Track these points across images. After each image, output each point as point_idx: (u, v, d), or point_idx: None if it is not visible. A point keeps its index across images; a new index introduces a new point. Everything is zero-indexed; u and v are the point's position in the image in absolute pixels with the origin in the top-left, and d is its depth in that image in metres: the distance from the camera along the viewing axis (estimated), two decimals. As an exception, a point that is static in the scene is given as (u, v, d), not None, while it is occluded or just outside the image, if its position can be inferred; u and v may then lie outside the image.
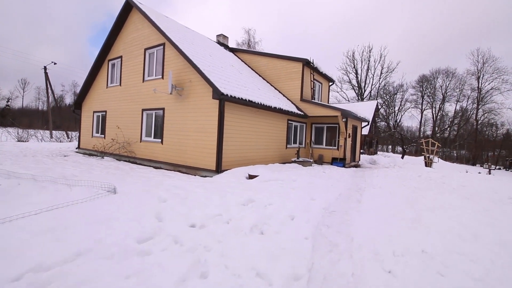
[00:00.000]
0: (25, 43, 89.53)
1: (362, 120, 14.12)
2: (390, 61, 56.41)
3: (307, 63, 12.76)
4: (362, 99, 47.20)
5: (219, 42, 15.33)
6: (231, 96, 7.71)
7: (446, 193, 6.52)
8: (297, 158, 10.86)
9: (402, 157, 19.06)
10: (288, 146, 11.94)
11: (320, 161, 13.03)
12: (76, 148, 14.70)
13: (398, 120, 55.03)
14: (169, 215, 3.60)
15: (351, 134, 13.13)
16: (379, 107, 47.31)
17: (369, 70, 49.05)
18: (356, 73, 49.66)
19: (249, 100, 8.47)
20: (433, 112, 50.87)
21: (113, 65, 12.56)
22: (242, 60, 14.87)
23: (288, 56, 13.37)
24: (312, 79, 13.36)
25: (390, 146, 54.18)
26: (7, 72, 72.94)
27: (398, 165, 13.31)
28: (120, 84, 11.88)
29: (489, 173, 12.74)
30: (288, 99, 13.17)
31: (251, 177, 6.92)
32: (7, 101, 58.19)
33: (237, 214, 3.91)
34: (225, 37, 15.61)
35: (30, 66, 76.94)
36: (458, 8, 69.74)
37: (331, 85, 16.41)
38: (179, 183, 5.50)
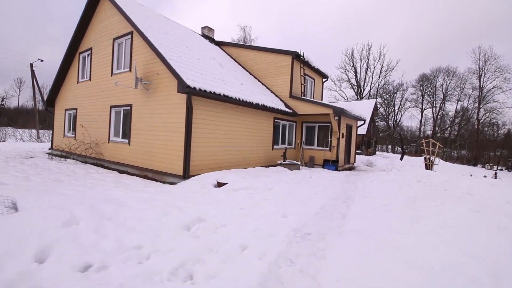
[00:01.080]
0: (25, 43, 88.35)
1: (357, 119, 13.05)
2: (389, 60, 55.19)
3: (296, 56, 11.67)
4: (361, 98, 46.18)
5: (204, 35, 14.25)
6: (200, 89, 6.63)
7: (450, 204, 5.43)
8: (283, 161, 9.78)
9: (401, 158, 18.00)
10: (275, 147, 10.86)
11: (311, 163, 11.96)
12: (49, 149, 13.62)
13: (398, 120, 54.05)
14: (62, 249, 2.52)
15: (344, 134, 12.05)
16: (379, 106, 46.38)
17: (368, 69, 48.03)
18: (355, 72, 48.65)
19: (224, 95, 7.39)
20: (434, 111, 49.87)
21: (84, 58, 11.48)
22: (228, 54, 13.80)
23: (277, 49, 12.29)
24: (302, 74, 12.28)
25: (390, 146, 53.15)
26: (8, 72, 71.82)
27: (396, 168, 12.25)
28: (89, 79, 10.80)
29: (495, 177, 11.71)
30: (276, 95, 12.10)
31: (219, 185, 5.85)
32: (1, 100, 57.09)
33: (167, 245, 2.83)
34: (211, 29, 14.52)
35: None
36: (458, 8, 68.69)
37: (325, 81, 15.33)
38: (119, 195, 4.42)
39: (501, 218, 4.56)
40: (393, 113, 54.21)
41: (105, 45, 9.96)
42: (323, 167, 11.43)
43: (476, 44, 60.48)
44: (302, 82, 12.28)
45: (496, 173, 11.82)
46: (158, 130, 7.59)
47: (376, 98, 46.36)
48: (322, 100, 15.39)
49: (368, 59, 47.56)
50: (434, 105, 49.62)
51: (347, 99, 47.75)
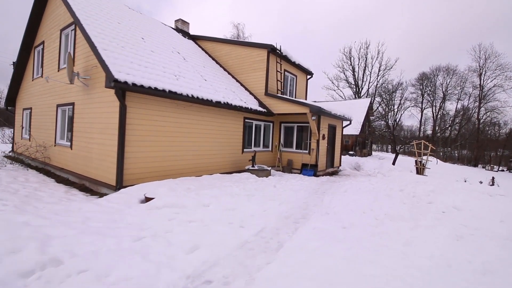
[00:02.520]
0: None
1: (342, 118, 11.94)
2: (388, 58, 54.00)
3: (272, 50, 10.58)
4: (360, 97, 45.03)
5: (177, 29, 13.19)
6: (134, 84, 5.56)
7: (429, 226, 4.34)
8: (252, 166, 8.70)
9: (394, 160, 16.84)
10: (245, 150, 9.78)
11: (289, 167, 10.87)
12: (10, 152, 12.61)
13: (397, 120, 52.88)
14: None
15: (326, 136, 10.95)
16: (377, 105, 45.21)
17: (367, 68, 46.84)
18: (353, 71, 47.48)
19: (170, 91, 6.32)
20: (434, 111, 48.62)
21: (39, 52, 10.46)
22: (203, 49, 12.73)
23: (251, 42, 11.22)
24: (279, 70, 11.18)
25: (389, 146, 51.91)
26: (8, 72, 70.91)
27: (383, 172, 11.15)
28: (41, 75, 9.77)
29: (492, 183, 10.57)
30: (251, 93, 11.02)
31: (147, 200, 4.78)
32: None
33: None
34: (185, 22, 13.46)
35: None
36: (457, 8, 67.25)
37: (310, 78, 14.22)
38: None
39: (490, 251, 3.45)
40: (392, 112, 53.07)
41: (54, 38, 8.92)
42: (300, 173, 10.35)
43: (477, 42, 59.15)
44: (279, 79, 11.19)
45: (493, 178, 10.69)
46: (95, 132, 6.54)
47: (374, 97, 45.31)
48: (306, 98, 14.28)
49: (366, 58, 46.40)
50: (434, 104, 48.41)
51: (345, 98, 46.66)
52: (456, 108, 45.76)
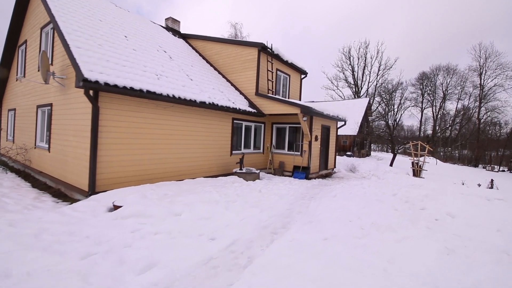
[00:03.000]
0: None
1: (336, 119, 11.58)
2: (387, 58, 53.58)
3: (263, 49, 10.24)
4: (359, 97, 44.66)
5: (167, 27, 12.86)
6: (106, 83, 5.23)
7: (418, 238, 3.99)
8: (240, 169, 8.36)
9: (392, 161, 16.46)
10: (234, 152, 9.44)
11: (280, 170, 10.53)
12: (-4, 154, 12.30)
13: (397, 119, 52.51)
14: None
15: (319, 137, 10.60)
16: (377, 105, 44.81)
17: (366, 67, 46.47)
18: (353, 70, 47.14)
19: (148, 91, 5.99)
20: (434, 110, 48.19)
21: (22, 51, 10.15)
22: (193, 48, 12.40)
23: (242, 41, 10.92)
24: (270, 69, 10.83)
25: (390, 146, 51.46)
26: None
27: (378, 175, 10.79)
28: (24, 75, 9.47)
29: (491, 185, 10.20)
30: (242, 93, 10.68)
31: (115, 208, 4.44)
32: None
33: None
34: (176, 21, 13.13)
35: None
36: (457, 7, 66.76)
37: (304, 77, 13.87)
38: None
39: (483, 267, 3.11)
40: (392, 112, 52.71)
41: (35, 37, 8.61)
42: (292, 175, 10.00)
43: (477, 42, 58.64)
44: (270, 78, 10.84)
45: (492, 180, 10.32)
46: (70, 134, 6.22)
47: (373, 97, 44.97)
48: (300, 99, 13.95)
49: (366, 57, 46.05)
50: (434, 104, 47.97)
51: (344, 98, 46.30)
52: (456, 108, 45.35)
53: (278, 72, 11.72)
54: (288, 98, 12.49)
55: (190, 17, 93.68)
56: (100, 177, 5.53)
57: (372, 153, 36.46)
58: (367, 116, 30.93)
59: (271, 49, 10.45)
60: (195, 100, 7.17)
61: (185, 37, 13.02)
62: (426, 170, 11.91)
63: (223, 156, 8.89)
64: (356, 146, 26.92)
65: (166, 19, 13.00)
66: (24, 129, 9.12)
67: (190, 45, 12.55)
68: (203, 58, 11.94)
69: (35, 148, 8.14)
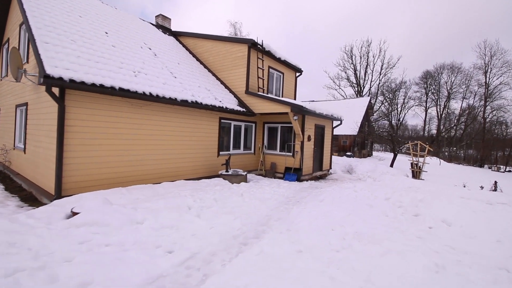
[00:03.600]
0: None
1: (331, 118, 11.12)
2: (390, 56, 52.62)
3: (253, 45, 9.83)
4: (362, 97, 44.00)
5: (157, 25, 12.52)
6: (72, 80, 4.88)
7: (405, 251, 3.54)
8: (226, 171, 7.96)
9: (393, 162, 15.91)
10: (222, 153, 9.05)
11: (272, 171, 10.11)
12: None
13: (401, 119, 51.73)
14: None
15: (312, 137, 10.15)
16: (380, 104, 44.09)
17: (368, 66, 45.80)
18: (355, 69, 46.53)
19: (120, 88, 5.62)
20: (438, 109, 47.22)
21: (6, 50, 9.89)
22: (184, 46, 12.04)
23: (232, 38, 10.50)
24: (261, 66, 10.40)
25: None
26: None
27: (374, 177, 10.30)
28: (7, 74, 9.19)
29: (495, 188, 9.63)
30: (232, 92, 10.29)
31: (73, 214, 4.07)
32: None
33: None
34: (166, 18, 12.78)
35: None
36: (461, 4, 65.48)
37: (299, 76, 13.42)
38: None
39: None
40: (395, 111, 51.96)
41: (16, 34, 8.31)
42: (283, 178, 9.57)
43: (482, 39, 57.35)
44: (261, 76, 10.42)
45: (496, 182, 9.72)
46: (41, 135, 5.89)
47: (376, 96, 44.27)
48: (295, 97, 13.51)
49: (368, 56, 45.37)
50: (439, 103, 47.02)
51: (346, 97, 45.69)
52: (461, 106, 44.38)
53: (270, 70, 11.30)
54: (282, 97, 12.07)
55: (194, 17, 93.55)
56: (68, 180, 5.18)
57: (374, 153, 35.80)
58: (368, 115, 30.33)
59: (261, 46, 10.03)
60: (175, 99, 6.79)
61: (176, 35, 12.67)
62: (426, 172, 11.37)
63: (210, 157, 8.50)
64: (357, 146, 26.35)
65: (156, 16, 12.67)
66: (6, 130, 8.85)
67: (180, 42, 12.20)
68: (194, 56, 11.58)
69: (14, 149, 7.86)
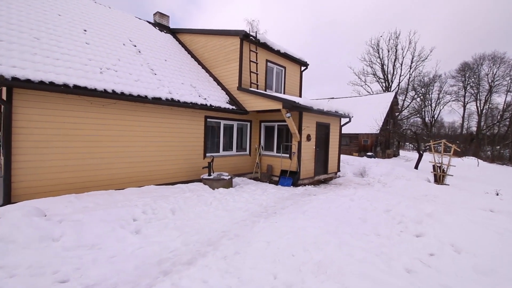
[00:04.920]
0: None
1: (337, 115, 9.92)
2: (421, 48, 48.03)
3: (245, 37, 9.02)
4: (389, 92, 40.96)
5: (155, 23, 12.24)
6: (15, 78, 4.48)
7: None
8: (209, 174, 7.25)
9: (417, 164, 14.09)
10: (209, 155, 8.36)
11: (268, 174, 9.24)
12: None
13: (435, 116, 47.53)
14: None
15: (313, 136, 9.08)
16: (410, 100, 40.75)
17: (397, 60, 42.45)
18: (382, 64, 43.47)
19: (74, 85, 5.16)
20: (478, 105, 42.38)
21: None
22: (181, 43, 11.60)
23: (224, 30, 9.77)
24: (254, 59, 9.52)
25: (425, 145, 46.49)
26: None
27: (385, 181, 8.90)
28: None
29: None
30: (225, 89, 9.59)
31: (-5, 226, 3.61)
32: None
33: None
34: (164, 15, 12.44)
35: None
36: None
37: (304, 70, 12.32)
38: None
39: None
40: (429, 107, 47.84)
41: None
42: (278, 181, 8.64)
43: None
44: (254, 70, 9.55)
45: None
46: None
47: (406, 92, 40.95)
48: (301, 94, 12.43)
49: (396, 49, 42.09)
50: (479, 97, 42.16)
51: (372, 94, 42.88)
52: (505, 101, 39.30)
53: (269, 64, 10.40)
54: (284, 94, 11.12)
55: (219, 19, 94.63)
56: (18, 186, 4.81)
57: (402, 153, 32.97)
58: (393, 112, 27.92)
59: (255, 37, 9.18)
60: (145, 96, 6.23)
61: (174, 32, 12.29)
62: (452, 175, 9.67)
63: (194, 160, 7.86)
64: (380, 145, 24.24)
65: (154, 14, 12.39)
66: None
67: (178, 40, 11.78)
68: (189, 52, 11.07)
69: None
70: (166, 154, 7.11)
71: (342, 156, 21.23)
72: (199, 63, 10.62)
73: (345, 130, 25.11)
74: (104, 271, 2.82)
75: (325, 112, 8.92)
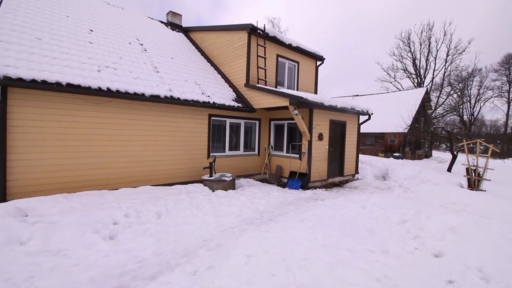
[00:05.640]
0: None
1: (354, 112, 9.09)
2: (458, 40, 43.69)
3: (252, 30, 8.57)
4: (421, 87, 38.04)
5: (167, 22, 12.24)
6: (6, 77, 4.48)
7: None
8: (210, 175, 6.92)
9: (450, 166, 12.61)
10: (213, 154, 8.04)
11: (276, 175, 8.72)
12: None
13: (475, 113, 43.41)
14: None
15: (325, 135, 8.38)
16: (446, 96, 37.53)
17: (430, 53, 39.29)
18: (414, 58, 40.51)
19: (67, 83, 5.09)
20: (526, 100, 37.83)
21: None
22: (192, 41, 11.46)
23: (231, 25, 9.40)
24: (262, 54, 9.01)
25: (462, 146, 42.48)
26: None
27: (408, 186, 7.90)
28: None
29: None
30: (233, 86, 9.24)
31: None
32: None
33: None
34: (176, 14, 12.40)
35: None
36: None
37: (320, 64, 11.56)
38: None
39: None
40: (468, 104, 43.80)
41: None
42: (287, 183, 8.09)
43: None
44: (262, 65, 9.03)
45: None
46: None
47: (441, 87, 37.77)
48: (316, 91, 11.68)
49: (430, 42, 38.94)
50: (527, 92, 37.61)
51: (402, 90, 40.12)
52: (561, 95, 34.53)
53: (280, 59, 9.85)
54: (297, 90, 10.49)
55: (243, 20, 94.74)
56: (14, 184, 4.84)
57: (435, 153, 30.32)
58: (425, 109, 25.74)
59: (263, 31, 8.69)
60: (143, 94, 6.05)
61: (186, 31, 12.20)
62: (490, 180, 8.36)
63: (197, 160, 7.58)
64: (409, 145, 22.39)
65: (166, 13, 12.39)
66: None
67: (189, 38, 11.66)
68: (199, 50, 10.88)
69: None
70: (166, 153, 6.90)
71: (365, 156, 19.91)
72: (209, 60, 10.38)
73: (369, 129, 23.61)
74: (56, 282, 2.55)
75: (339, 108, 8.18)
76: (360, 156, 20.07)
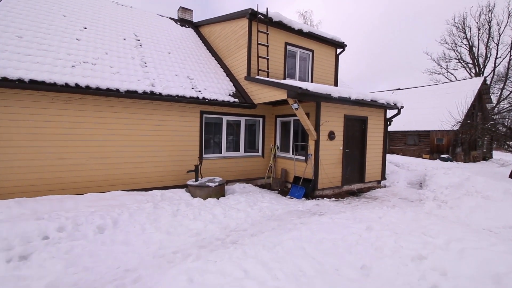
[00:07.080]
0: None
1: (379, 106, 7.51)
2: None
3: (252, 15, 7.56)
4: (479, 77, 32.72)
5: (178, 18, 11.87)
6: (-39, 73, 4.24)
7: None
8: (195, 181, 6.13)
9: (514, 172, 9.99)
10: (207, 156, 7.26)
11: (281, 180, 7.63)
12: None
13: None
14: None
15: (338, 133, 7.00)
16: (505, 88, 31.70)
17: (491, 39, 33.48)
18: (470, 45, 35.06)
19: (31, 80, 4.73)
20: None
21: None
22: (201, 36, 10.90)
23: (232, 13, 8.51)
24: (264, 42, 7.90)
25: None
26: None
27: (445, 198, 6.06)
28: None
29: None
30: (234, 79, 8.38)
31: None
32: None
33: None
34: (186, 10, 11.95)
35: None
36: None
37: (341, 52, 10.03)
38: None
39: None
40: (542, 96, 36.58)
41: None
42: (290, 190, 6.92)
43: None
44: (264, 55, 7.92)
45: None
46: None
47: (506, 78, 31.94)
48: (337, 83, 10.17)
49: (490, 26, 33.18)
50: None
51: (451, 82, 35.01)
52: None
53: (289, 47, 8.66)
54: (312, 82, 9.19)
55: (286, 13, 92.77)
56: (-22, 188, 4.63)
57: (497, 155, 25.50)
58: (483, 103, 21.74)
59: (264, 15, 7.62)
60: (117, 89, 5.51)
61: (196, 26, 11.70)
62: None
63: (187, 162, 6.86)
64: (461, 145, 18.97)
65: (178, 9, 12.04)
66: None
67: (199, 33, 11.11)
68: (206, 44, 10.23)
69: None
70: (147, 155, 6.30)
71: (404, 158, 17.36)
72: (214, 54, 9.66)
73: (411, 126, 20.65)
74: None
75: (354, 101, 6.73)
76: (397, 157, 17.54)
